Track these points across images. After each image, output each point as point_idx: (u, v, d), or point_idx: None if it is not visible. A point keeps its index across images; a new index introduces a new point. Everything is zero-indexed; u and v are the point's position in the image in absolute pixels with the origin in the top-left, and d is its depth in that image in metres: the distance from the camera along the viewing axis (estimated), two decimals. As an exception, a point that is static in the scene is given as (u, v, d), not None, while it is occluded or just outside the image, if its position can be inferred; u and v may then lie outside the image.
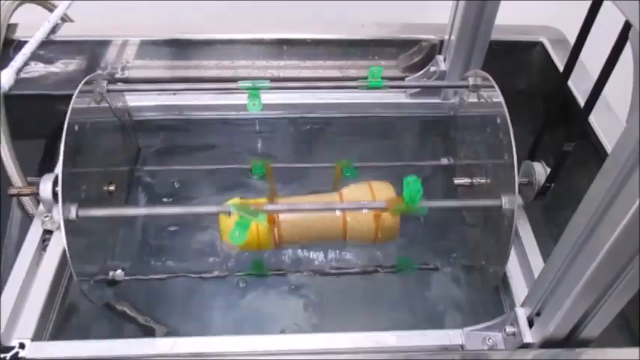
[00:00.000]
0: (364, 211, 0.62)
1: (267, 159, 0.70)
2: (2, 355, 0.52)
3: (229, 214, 0.57)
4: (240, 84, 0.61)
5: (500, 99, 0.58)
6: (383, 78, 0.76)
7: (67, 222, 0.54)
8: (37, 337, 0.55)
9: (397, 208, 0.57)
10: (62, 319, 0.60)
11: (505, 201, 0.57)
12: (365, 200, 0.63)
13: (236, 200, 0.64)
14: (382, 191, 0.64)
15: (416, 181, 0.55)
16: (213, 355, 0.53)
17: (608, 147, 0.67)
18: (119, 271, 0.64)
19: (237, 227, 0.56)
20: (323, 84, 0.72)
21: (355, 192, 0.65)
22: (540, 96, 0.78)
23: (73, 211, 0.55)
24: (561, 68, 0.77)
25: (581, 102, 0.70)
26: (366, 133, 0.82)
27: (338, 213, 0.63)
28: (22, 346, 0.53)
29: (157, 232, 0.77)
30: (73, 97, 0.57)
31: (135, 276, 0.66)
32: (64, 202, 0.53)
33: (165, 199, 0.80)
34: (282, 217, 0.63)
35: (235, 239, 0.56)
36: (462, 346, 0.53)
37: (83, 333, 0.64)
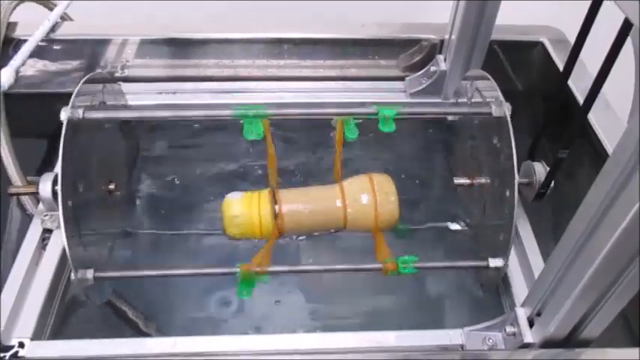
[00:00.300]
0: (364, 201, 0.63)
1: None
2: (2, 355, 0.51)
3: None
4: (235, 111, 0.62)
5: (501, 99, 0.59)
6: (381, 78, 0.77)
7: (67, 223, 0.53)
8: (37, 336, 0.55)
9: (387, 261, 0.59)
10: (62, 318, 0.60)
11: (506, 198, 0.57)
12: (365, 192, 0.63)
13: (237, 194, 0.64)
14: (382, 184, 0.65)
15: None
16: (214, 354, 0.53)
17: (608, 146, 0.67)
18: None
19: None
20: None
21: (355, 184, 0.65)
22: (540, 96, 0.78)
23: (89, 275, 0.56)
24: (562, 68, 0.77)
25: (582, 101, 0.70)
26: (365, 132, 0.81)
27: (339, 204, 0.64)
28: (21, 345, 0.53)
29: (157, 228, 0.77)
30: (73, 96, 0.57)
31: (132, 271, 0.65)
32: (63, 201, 0.53)
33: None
34: (284, 207, 0.64)
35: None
36: (462, 346, 0.53)
37: (83, 332, 0.64)
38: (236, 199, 0.64)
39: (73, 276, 0.55)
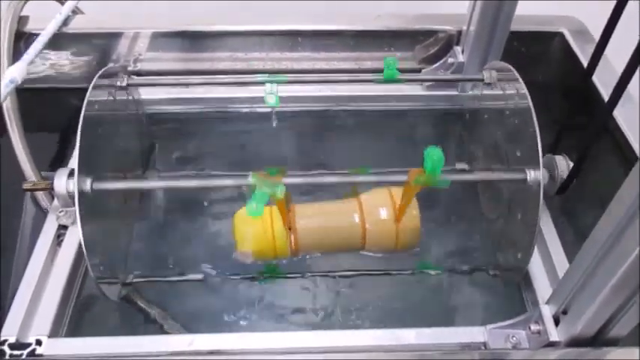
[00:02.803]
0: (383, 217, 0.61)
1: (282, 162, 0.69)
2: (19, 352, 0.51)
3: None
4: (259, 77, 0.60)
5: (525, 91, 0.57)
6: (399, 70, 0.76)
7: (83, 215, 0.53)
8: (54, 333, 0.55)
9: (419, 180, 0.55)
10: (78, 315, 0.60)
11: (530, 176, 0.56)
12: (384, 206, 0.61)
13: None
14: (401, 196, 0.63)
15: (438, 152, 0.54)
16: (231, 352, 0.52)
17: (631, 138, 0.65)
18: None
19: (254, 199, 0.54)
20: (338, 77, 0.71)
21: (374, 197, 0.63)
22: (561, 88, 0.76)
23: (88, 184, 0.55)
24: (582, 59, 0.76)
25: (605, 95, 0.69)
26: (382, 125, 0.80)
27: (357, 219, 0.62)
28: (39, 342, 0.52)
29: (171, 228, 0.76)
30: (89, 91, 0.56)
31: (147, 277, 0.65)
32: (79, 196, 0.52)
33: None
34: (298, 223, 0.61)
35: (253, 212, 0.54)
36: (484, 344, 0.52)
37: (99, 329, 0.63)
38: (248, 217, 0.60)
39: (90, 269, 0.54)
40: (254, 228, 0.61)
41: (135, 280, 0.64)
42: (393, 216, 0.61)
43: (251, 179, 0.55)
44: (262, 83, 0.62)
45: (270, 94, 0.61)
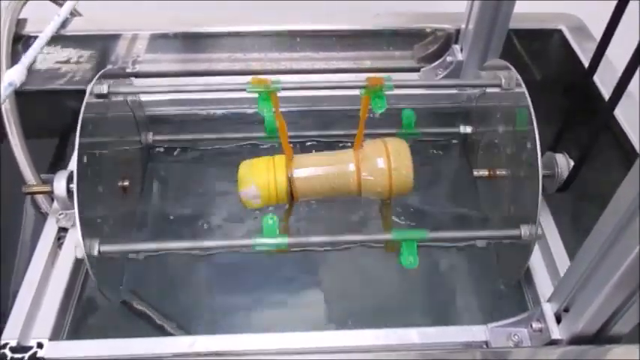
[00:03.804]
0: (378, 165, 0.62)
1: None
2: (20, 356, 0.51)
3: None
4: (248, 88, 0.60)
5: (523, 89, 0.57)
6: (396, 70, 0.76)
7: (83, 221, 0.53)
8: (55, 336, 0.55)
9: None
10: (79, 318, 0.59)
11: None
12: (380, 156, 0.62)
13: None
14: (395, 144, 0.63)
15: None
16: (234, 353, 0.52)
17: (631, 135, 0.65)
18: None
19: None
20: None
21: (369, 147, 0.64)
22: (560, 85, 0.76)
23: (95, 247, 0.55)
24: (581, 57, 0.76)
25: (605, 93, 0.69)
26: (381, 124, 0.80)
27: (352, 168, 0.63)
28: (40, 345, 0.52)
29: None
30: (87, 93, 0.56)
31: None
32: (79, 199, 0.52)
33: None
34: (296, 172, 0.63)
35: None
36: (486, 343, 0.52)
37: (100, 332, 0.63)
38: (251, 163, 0.64)
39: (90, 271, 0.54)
40: (257, 168, 0.63)
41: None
42: (387, 163, 0.62)
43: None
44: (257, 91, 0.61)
45: (263, 107, 0.61)
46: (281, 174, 0.62)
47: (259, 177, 0.62)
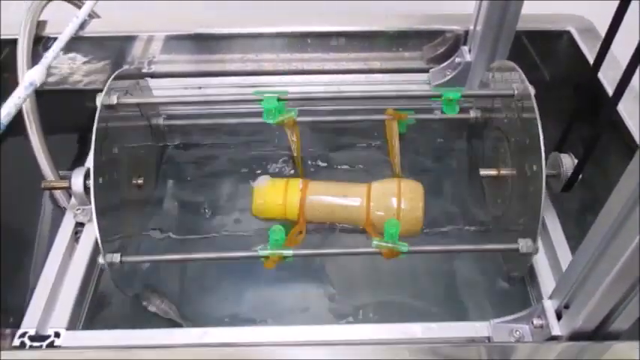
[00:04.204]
0: (388, 205, 0.64)
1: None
2: (39, 344, 0.53)
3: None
4: (254, 92, 0.63)
5: (529, 90, 0.58)
6: (405, 70, 0.77)
7: (99, 216, 0.55)
8: (72, 326, 0.57)
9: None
10: (95, 309, 0.62)
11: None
12: (391, 196, 0.64)
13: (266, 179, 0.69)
14: (409, 187, 0.65)
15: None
16: (243, 344, 0.54)
17: (636, 134, 0.66)
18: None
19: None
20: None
21: (383, 186, 0.66)
22: (568, 87, 0.77)
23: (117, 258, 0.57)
24: (590, 58, 0.76)
25: (610, 92, 0.69)
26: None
27: (363, 204, 0.64)
28: (57, 334, 0.54)
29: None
30: (104, 92, 0.59)
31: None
32: (95, 195, 0.54)
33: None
34: (308, 198, 0.66)
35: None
36: (488, 338, 0.53)
37: (114, 322, 0.65)
38: (266, 186, 0.68)
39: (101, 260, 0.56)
40: (273, 187, 0.68)
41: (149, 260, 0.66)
42: (398, 205, 0.64)
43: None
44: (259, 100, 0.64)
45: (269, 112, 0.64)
46: (293, 197, 0.67)
47: (273, 198, 0.67)
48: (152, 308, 0.67)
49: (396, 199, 0.65)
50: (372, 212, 0.66)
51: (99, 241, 0.55)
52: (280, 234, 0.57)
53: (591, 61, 0.75)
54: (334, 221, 0.70)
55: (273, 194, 0.68)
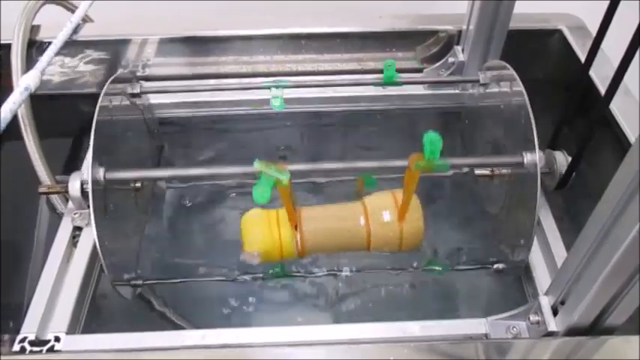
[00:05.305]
0: (386, 219, 0.62)
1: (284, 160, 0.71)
2: (39, 349, 0.53)
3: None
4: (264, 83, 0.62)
5: (521, 88, 0.59)
6: (399, 70, 0.77)
7: (97, 217, 0.55)
8: (71, 330, 0.57)
9: (419, 164, 0.54)
10: (94, 313, 0.62)
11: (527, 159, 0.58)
12: (387, 208, 0.62)
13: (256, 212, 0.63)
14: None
15: (436, 136, 0.53)
16: (244, 346, 0.54)
17: (628, 131, 0.67)
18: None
19: (260, 184, 0.53)
20: (339, 80, 0.73)
21: (378, 199, 0.64)
22: (560, 85, 0.78)
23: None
24: (581, 56, 0.77)
25: (602, 90, 0.70)
26: (384, 125, 0.82)
27: (362, 222, 0.63)
28: (57, 339, 0.54)
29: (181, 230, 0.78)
30: (101, 96, 0.59)
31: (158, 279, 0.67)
32: (94, 199, 0.55)
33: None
34: (305, 225, 0.62)
35: (259, 196, 0.53)
36: (486, 335, 0.54)
37: (114, 326, 0.65)
38: (255, 219, 0.62)
39: (105, 268, 0.56)
40: (261, 229, 0.62)
41: (146, 282, 0.65)
42: (397, 218, 0.62)
43: (256, 165, 0.54)
44: (268, 88, 0.63)
45: (276, 98, 0.63)
46: (286, 234, 0.61)
47: (263, 245, 0.61)
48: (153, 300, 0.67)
49: (393, 212, 0.62)
50: (371, 230, 0.62)
51: (97, 244, 0.55)
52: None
53: (583, 59, 0.77)
54: (333, 247, 0.64)
55: (265, 225, 0.62)
